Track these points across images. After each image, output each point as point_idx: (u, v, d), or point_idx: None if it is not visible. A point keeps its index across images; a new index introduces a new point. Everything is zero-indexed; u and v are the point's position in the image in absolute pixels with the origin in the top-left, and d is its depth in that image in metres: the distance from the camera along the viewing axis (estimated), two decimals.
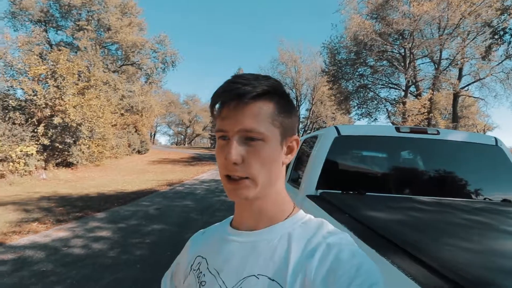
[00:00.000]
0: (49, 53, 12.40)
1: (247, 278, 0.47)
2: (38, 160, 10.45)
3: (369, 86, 19.37)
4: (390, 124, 17.30)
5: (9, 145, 9.57)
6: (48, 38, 20.14)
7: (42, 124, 11.01)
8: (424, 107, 14.86)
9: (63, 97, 11.09)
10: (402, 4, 15.89)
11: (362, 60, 18.36)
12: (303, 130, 32.78)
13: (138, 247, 4.03)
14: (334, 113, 29.69)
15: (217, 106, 0.50)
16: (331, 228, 0.50)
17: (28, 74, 11.08)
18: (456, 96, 16.78)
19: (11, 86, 11.20)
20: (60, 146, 11.51)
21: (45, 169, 11.02)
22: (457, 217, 1.30)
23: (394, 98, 19.12)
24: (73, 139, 11.85)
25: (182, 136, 61.89)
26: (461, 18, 14.48)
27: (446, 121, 18.74)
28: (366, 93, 19.74)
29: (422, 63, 18.70)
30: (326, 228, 0.50)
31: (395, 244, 0.91)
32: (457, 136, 2.12)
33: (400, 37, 17.00)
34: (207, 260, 0.55)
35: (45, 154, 11.14)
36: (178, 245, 4.69)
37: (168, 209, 6.48)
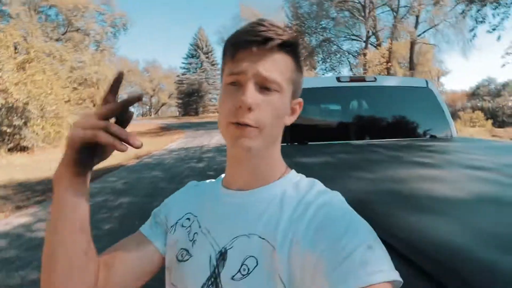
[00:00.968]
0: None
1: (238, 237, 0.47)
2: None
3: (332, 39, 19.32)
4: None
5: None
6: None
7: None
8: (383, 57, 15.24)
9: (0, 74, 9.89)
10: None
11: (324, 12, 18.02)
12: None
13: (106, 221, 4.02)
14: None
15: (231, 48, 0.47)
16: (322, 187, 0.50)
17: None
18: (413, 44, 17.33)
19: None
20: (8, 130, 10.54)
21: None
22: (379, 154, 1.43)
23: (356, 50, 19.39)
24: (22, 121, 10.86)
25: (148, 107, 59.11)
26: None
27: (404, 69, 19.52)
28: (330, 47, 19.77)
29: (382, 12, 18.79)
30: (317, 188, 0.50)
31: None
32: (392, 81, 2.24)
33: None
34: (198, 219, 0.54)
35: None
36: (147, 214, 4.69)
37: (136, 181, 6.41)
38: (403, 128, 2.20)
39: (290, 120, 0.52)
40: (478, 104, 21.28)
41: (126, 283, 0.53)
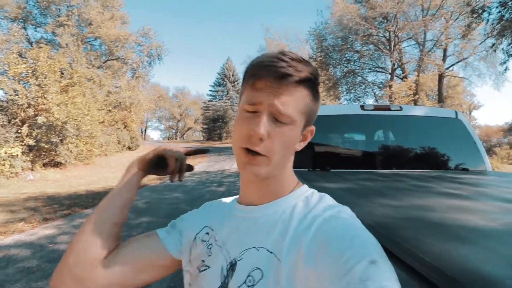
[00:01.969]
0: (29, 51, 12.06)
1: (248, 250, 0.49)
2: (24, 161, 10.28)
3: (357, 71, 19.47)
4: None
5: None
6: (27, 35, 19.54)
7: (26, 124, 10.80)
8: (410, 89, 15.02)
9: (45, 95, 10.86)
10: None
11: (349, 45, 18.39)
12: None
13: (125, 239, 4.07)
14: (323, 100, 29.75)
15: (252, 77, 0.49)
16: (331, 201, 0.51)
17: (8, 73, 10.78)
18: (441, 76, 16.99)
19: None
20: (46, 146, 11.33)
21: (32, 170, 10.86)
22: (406, 184, 1.37)
23: (381, 82, 19.30)
24: (59, 138, 11.66)
25: (174, 130, 61.40)
26: None
27: (432, 102, 19.01)
28: (354, 78, 19.86)
29: (408, 46, 18.86)
30: (326, 202, 0.50)
31: None
32: (419, 111, 2.19)
33: (385, 20, 17.03)
34: (214, 232, 0.57)
35: (31, 154, 10.96)
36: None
37: (157, 202, 6.51)
38: (430, 160, 2.11)
39: (300, 146, 0.54)
40: None
41: (127, 266, 0.56)
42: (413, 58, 17.98)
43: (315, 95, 0.52)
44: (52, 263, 3.28)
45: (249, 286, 0.45)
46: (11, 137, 10.20)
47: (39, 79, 10.94)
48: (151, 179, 10.14)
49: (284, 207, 0.51)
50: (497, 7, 10.16)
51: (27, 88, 10.93)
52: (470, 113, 28.21)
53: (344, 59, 19.22)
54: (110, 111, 18.23)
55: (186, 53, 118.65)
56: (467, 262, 0.52)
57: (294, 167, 0.55)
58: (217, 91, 47.33)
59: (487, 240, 0.64)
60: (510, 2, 9.55)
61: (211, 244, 0.56)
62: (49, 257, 3.45)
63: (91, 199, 6.88)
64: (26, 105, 10.68)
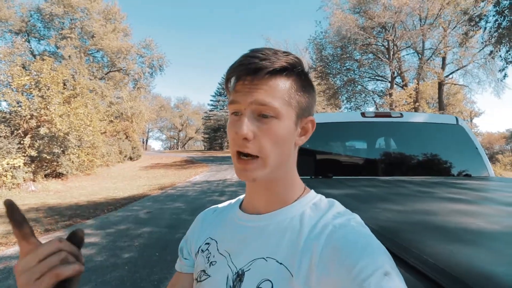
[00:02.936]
0: (33, 63, 12.24)
1: (256, 260, 0.47)
2: (26, 172, 10.30)
3: (357, 79, 19.61)
4: None
5: None
6: (31, 48, 19.86)
7: (29, 136, 10.87)
8: (410, 97, 15.10)
9: (48, 106, 10.96)
10: None
11: (348, 55, 18.58)
12: None
13: (127, 250, 4.04)
14: (324, 109, 29.91)
15: (232, 80, 0.48)
16: (341, 209, 0.50)
17: (12, 85, 10.93)
18: (441, 84, 17.09)
19: None
20: (48, 157, 11.37)
21: (33, 181, 10.87)
22: (408, 190, 1.37)
23: (381, 90, 19.41)
24: (61, 149, 11.71)
25: (175, 140, 61.55)
26: (440, 8, 14.76)
27: (433, 109, 19.07)
28: (354, 87, 19.99)
29: (407, 54, 19.04)
30: (336, 209, 0.49)
31: None
32: (420, 118, 2.20)
33: (383, 30, 17.26)
34: (217, 242, 0.55)
35: (33, 165, 10.99)
36: (168, 245, 4.75)
37: (158, 212, 6.48)
38: (432, 166, 2.10)
39: (302, 140, 0.51)
40: None
41: None
42: (413, 66, 18.15)
43: (303, 85, 0.49)
44: None
45: None
46: (13, 148, 10.25)
47: (42, 90, 11.07)
48: (153, 189, 10.11)
49: (292, 215, 0.49)
50: (494, 15, 10.32)
51: (30, 99, 11.05)
52: (471, 120, 28.24)
53: (344, 68, 19.40)
54: (111, 121, 18.34)
55: (187, 64, 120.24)
56: (472, 262, 0.52)
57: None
58: (218, 101, 47.64)
59: (492, 242, 0.64)
60: (507, 10, 9.69)
61: (210, 253, 0.54)
62: None
63: (93, 209, 6.85)
64: (29, 116, 10.78)
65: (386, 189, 1.46)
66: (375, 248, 0.40)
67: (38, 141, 11.01)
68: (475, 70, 17.63)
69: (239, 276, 0.48)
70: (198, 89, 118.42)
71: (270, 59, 0.45)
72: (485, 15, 10.64)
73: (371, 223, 0.80)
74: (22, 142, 10.69)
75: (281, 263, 0.45)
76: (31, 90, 11.10)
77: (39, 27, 20.21)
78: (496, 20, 10.23)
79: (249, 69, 0.45)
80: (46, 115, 10.88)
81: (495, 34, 10.35)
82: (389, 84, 18.43)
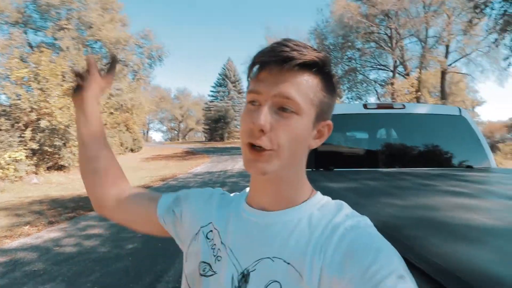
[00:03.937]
0: (30, 55, 12.13)
1: (262, 260, 0.46)
2: (28, 165, 10.35)
3: (358, 69, 19.41)
4: None
5: None
6: (28, 40, 19.64)
7: (29, 129, 10.86)
8: (412, 86, 14.96)
9: (48, 99, 10.92)
10: None
11: (350, 43, 18.35)
12: None
13: (130, 241, 4.09)
14: None
15: (255, 68, 0.46)
16: (350, 210, 0.49)
17: (10, 78, 10.85)
18: (443, 73, 16.90)
19: None
20: (49, 150, 11.39)
21: (36, 173, 10.93)
22: (410, 182, 1.36)
23: (383, 80, 19.24)
24: (62, 142, 11.72)
25: (176, 132, 61.53)
26: None
27: (435, 99, 18.92)
28: (356, 76, 19.82)
29: (410, 43, 18.78)
30: (345, 211, 0.48)
31: None
32: (422, 109, 2.18)
33: (386, 18, 16.94)
34: (219, 232, 0.53)
35: (35, 158, 11.02)
36: (170, 237, 4.70)
37: None
38: (434, 158, 2.09)
39: (316, 143, 0.49)
40: None
41: (127, 215, 0.66)
42: (415, 55, 17.91)
43: (329, 87, 0.47)
44: (58, 266, 3.30)
45: None
46: (14, 141, 10.26)
47: (41, 83, 10.99)
48: (154, 181, 10.17)
49: (300, 216, 0.48)
50: (500, 1, 10.09)
51: (29, 92, 10.99)
52: (473, 109, 28.05)
53: (346, 57, 19.18)
54: (112, 113, 18.29)
55: (187, 54, 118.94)
56: (475, 262, 0.52)
57: None
58: (218, 92, 47.38)
59: (494, 239, 0.64)
60: None
61: (215, 245, 0.52)
62: (55, 260, 3.47)
63: None
64: (29, 109, 10.74)
65: (387, 182, 1.46)
66: (389, 251, 0.40)
67: (39, 134, 11.01)
68: (478, 58, 17.44)
69: (244, 277, 0.47)
70: (198, 80, 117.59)
71: (302, 51, 0.44)
72: (490, 1, 10.41)
73: (372, 218, 0.79)
74: (23, 135, 10.68)
75: (288, 263, 0.44)
76: (30, 82, 11.03)
77: (35, 18, 19.92)
78: (502, 6, 10.01)
79: (279, 57, 0.43)
80: (46, 108, 10.84)
81: (500, 21, 10.15)
82: (391, 73, 18.24)
